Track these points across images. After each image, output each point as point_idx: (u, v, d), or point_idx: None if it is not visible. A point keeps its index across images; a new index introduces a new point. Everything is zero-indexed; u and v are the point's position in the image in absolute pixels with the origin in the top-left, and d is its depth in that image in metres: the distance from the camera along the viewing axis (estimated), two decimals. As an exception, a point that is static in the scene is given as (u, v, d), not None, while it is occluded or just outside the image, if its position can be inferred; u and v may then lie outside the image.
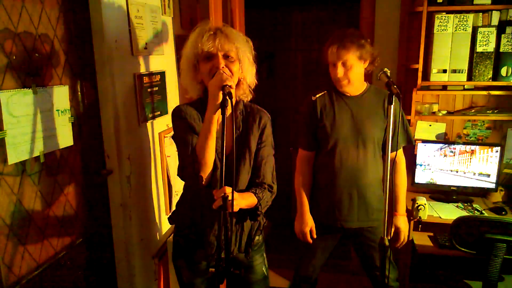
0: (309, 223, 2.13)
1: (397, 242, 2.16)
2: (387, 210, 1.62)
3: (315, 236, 2.15)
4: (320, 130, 2.09)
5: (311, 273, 2.25)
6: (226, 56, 1.54)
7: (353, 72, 1.98)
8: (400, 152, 2.14)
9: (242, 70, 1.60)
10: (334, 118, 2.06)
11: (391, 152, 1.60)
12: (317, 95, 2.11)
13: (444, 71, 2.65)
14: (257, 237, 1.78)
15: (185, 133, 1.59)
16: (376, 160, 2.08)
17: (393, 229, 2.14)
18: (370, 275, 2.20)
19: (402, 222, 2.15)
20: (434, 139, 2.91)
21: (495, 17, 2.56)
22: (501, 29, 2.55)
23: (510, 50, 2.55)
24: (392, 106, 1.57)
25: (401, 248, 2.24)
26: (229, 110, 1.42)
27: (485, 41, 2.57)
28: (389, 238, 2.07)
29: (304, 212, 2.15)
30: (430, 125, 2.91)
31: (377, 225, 2.11)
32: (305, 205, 2.15)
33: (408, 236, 2.21)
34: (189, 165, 1.54)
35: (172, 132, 1.71)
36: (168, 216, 1.89)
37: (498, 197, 2.79)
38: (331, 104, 2.08)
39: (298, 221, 2.17)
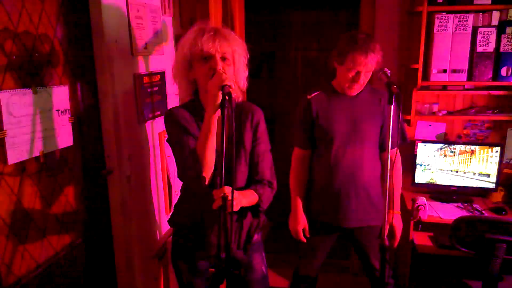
0: (302, 222, 2.15)
1: (393, 239, 2.17)
2: (386, 209, 1.63)
3: (308, 235, 2.17)
4: (317, 129, 2.10)
5: (310, 273, 2.26)
6: (223, 58, 1.54)
7: (367, 78, 2.00)
8: (396, 150, 2.14)
9: (235, 73, 1.61)
10: (330, 117, 2.06)
11: (387, 150, 1.61)
12: (313, 94, 2.12)
13: (444, 71, 2.65)
14: (255, 235, 1.78)
15: (180, 136, 1.59)
16: (373, 158, 2.09)
17: (387, 227, 2.10)
18: (368, 273, 2.21)
19: (397, 219, 2.16)
20: (434, 139, 2.91)
21: (495, 17, 2.56)
22: (501, 29, 2.54)
23: (510, 50, 2.55)
24: (392, 106, 1.57)
25: (401, 248, 2.24)
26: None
27: (485, 41, 2.56)
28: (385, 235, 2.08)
29: (297, 210, 2.16)
30: (430, 125, 2.91)
31: (374, 224, 2.11)
32: (298, 204, 2.16)
33: (409, 238, 2.21)
34: (190, 167, 1.53)
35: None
36: (168, 219, 1.89)
37: (498, 197, 2.79)
38: (327, 103, 2.09)
39: (291, 219, 2.19)
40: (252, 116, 1.68)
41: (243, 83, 1.66)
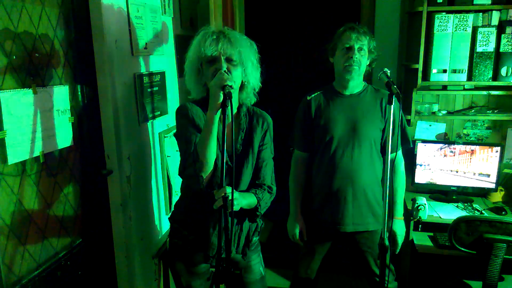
0: (299, 225, 2.13)
1: (393, 246, 2.12)
2: (386, 212, 1.61)
3: (305, 238, 2.15)
4: (316, 130, 2.08)
5: (309, 275, 2.25)
6: (229, 60, 1.55)
7: (364, 60, 2.00)
8: (399, 153, 2.11)
9: (245, 74, 1.61)
10: (328, 117, 2.05)
11: (390, 153, 1.59)
12: (312, 95, 2.11)
13: (444, 71, 2.64)
14: (254, 238, 1.78)
15: (189, 132, 1.59)
16: (373, 161, 2.05)
17: (387, 234, 2.09)
18: (368, 279, 2.19)
19: (398, 226, 2.12)
20: (434, 139, 2.91)
21: (495, 17, 2.56)
22: (501, 29, 2.54)
23: (510, 50, 2.55)
24: (392, 106, 1.57)
25: (401, 248, 2.22)
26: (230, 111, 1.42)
27: (485, 41, 2.56)
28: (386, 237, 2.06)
29: (295, 213, 2.15)
30: (430, 125, 2.91)
31: (372, 229, 2.08)
32: (296, 207, 2.15)
33: (409, 238, 2.18)
34: (190, 165, 1.54)
35: (174, 131, 1.71)
36: (168, 216, 1.89)
37: (498, 197, 2.79)
38: (326, 103, 2.07)
39: (289, 222, 2.17)
40: (263, 122, 1.71)
41: (256, 83, 1.67)
